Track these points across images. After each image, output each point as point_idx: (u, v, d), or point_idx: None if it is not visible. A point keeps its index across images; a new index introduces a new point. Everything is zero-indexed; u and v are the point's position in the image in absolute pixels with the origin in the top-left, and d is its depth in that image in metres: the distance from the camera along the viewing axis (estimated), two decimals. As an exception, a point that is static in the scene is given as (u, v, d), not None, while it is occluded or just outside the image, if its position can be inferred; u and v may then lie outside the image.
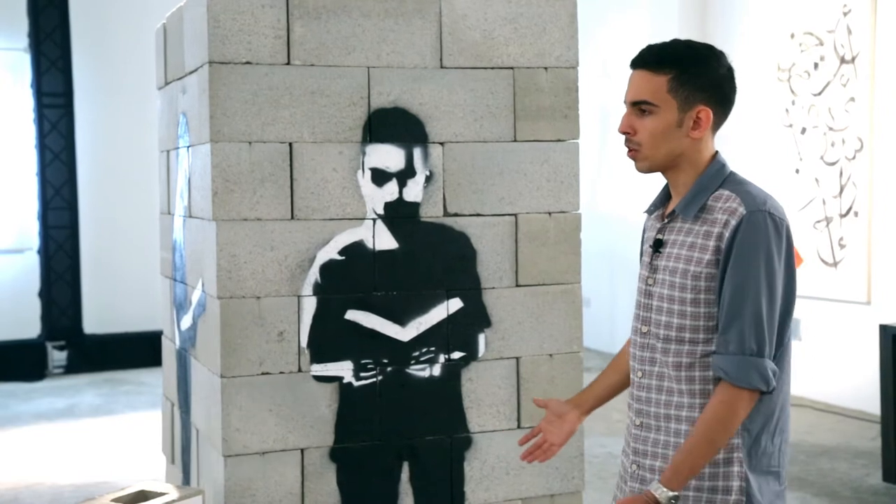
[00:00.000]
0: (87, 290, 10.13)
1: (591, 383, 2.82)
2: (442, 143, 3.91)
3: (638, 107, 2.45)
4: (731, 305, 2.36)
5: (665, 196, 2.59)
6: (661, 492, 2.34)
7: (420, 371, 3.89)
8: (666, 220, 2.50)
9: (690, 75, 2.43)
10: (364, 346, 3.81)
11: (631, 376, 2.58)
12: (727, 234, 2.37)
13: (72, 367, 9.88)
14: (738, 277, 2.36)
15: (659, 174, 2.56)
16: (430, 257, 3.89)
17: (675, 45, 2.49)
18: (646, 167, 2.49)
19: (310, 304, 3.76)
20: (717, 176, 2.47)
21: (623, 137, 2.51)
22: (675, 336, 2.44)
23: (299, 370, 3.76)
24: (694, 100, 2.44)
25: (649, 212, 2.62)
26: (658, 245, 2.49)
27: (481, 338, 3.97)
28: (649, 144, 2.45)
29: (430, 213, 3.90)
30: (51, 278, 10.00)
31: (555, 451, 2.75)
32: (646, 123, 2.44)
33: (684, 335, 2.43)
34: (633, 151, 2.49)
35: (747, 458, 2.43)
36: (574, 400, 2.80)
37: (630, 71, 2.51)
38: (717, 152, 2.52)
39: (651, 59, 2.45)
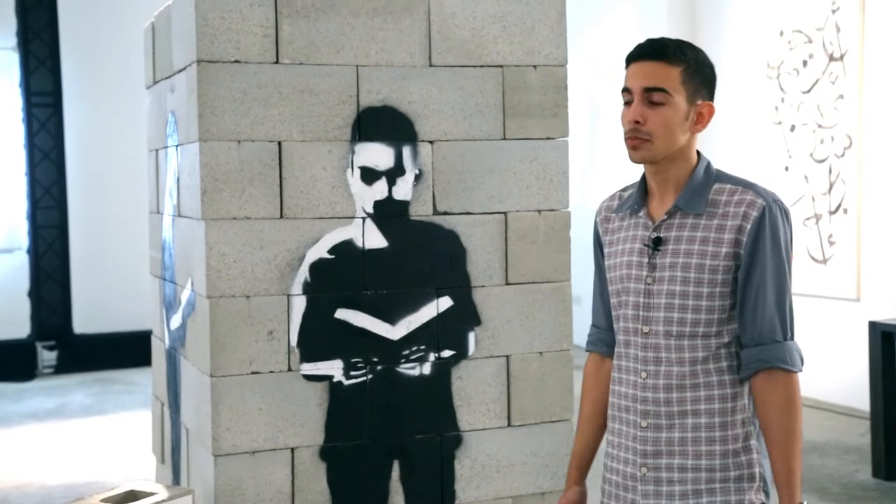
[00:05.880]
0: (76, 290, 10.10)
1: (577, 446, 2.78)
2: (431, 142, 3.91)
3: (650, 95, 2.43)
4: (761, 295, 2.41)
5: (642, 195, 2.57)
6: None
7: (410, 369, 3.89)
8: (665, 217, 2.50)
9: (698, 69, 2.46)
10: (354, 344, 3.81)
11: (628, 379, 2.54)
12: (748, 226, 2.41)
13: (62, 367, 9.86)
14: (765, 267, 2.40)
15: (636, 171, 2.56)
16: (419, 256, 3.89)
17: (679, 40, 2.51)
18: (649, 157, 2.45)
19: (299, 303, 3.76)
20: (709, 170, 2.51)
21: (620, 130, 2.50)
22: (688, 332, 2.45)
23: (289, 369, 3.75)
24: (698, 94, 2.47)
25: (632, 211, 2.58)
26: (657, 243, 2.49)
27: (471, 336, 3.97)
28: (662, 135, 2.43)
29: (420, 211, 3.90)
30: (40, 278, 9.98)
31: None
32: (661, 113, 2.42)
33: (698, 330, 2.45)
34: (640, 141, 2.44)
35: (758, 443, 2.47)
36: (577, 476, 2.80)
37: (631, 63, 2.48)
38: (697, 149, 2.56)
39: (664, 49, 2.44)
